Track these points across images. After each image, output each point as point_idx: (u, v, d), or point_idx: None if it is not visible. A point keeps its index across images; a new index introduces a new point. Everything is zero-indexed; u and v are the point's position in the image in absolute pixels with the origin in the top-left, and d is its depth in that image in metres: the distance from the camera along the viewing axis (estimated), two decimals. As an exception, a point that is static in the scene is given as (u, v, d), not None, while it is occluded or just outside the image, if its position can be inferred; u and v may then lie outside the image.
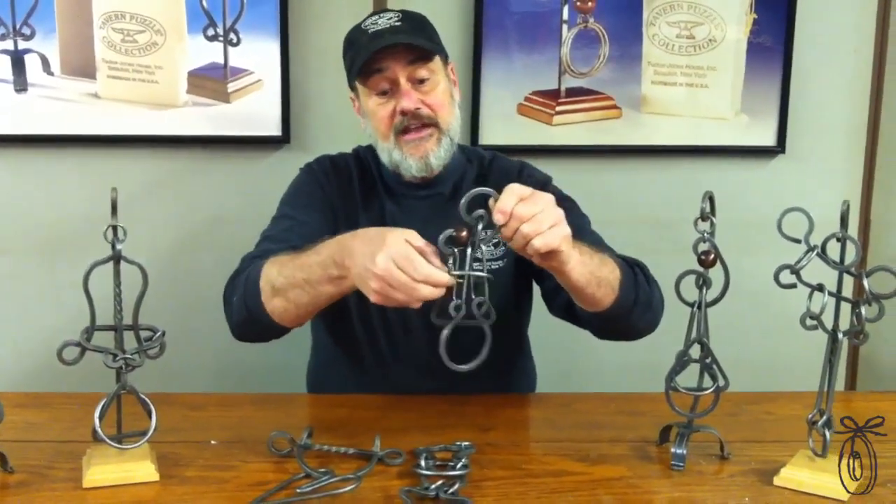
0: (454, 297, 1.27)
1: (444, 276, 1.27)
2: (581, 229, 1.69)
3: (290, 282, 1.45)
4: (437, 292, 1.28)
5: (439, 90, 1.68)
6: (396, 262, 1.27)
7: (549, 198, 1.33)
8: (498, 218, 1.27)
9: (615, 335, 1.63)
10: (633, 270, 1.56)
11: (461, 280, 1.27)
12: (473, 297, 1.28)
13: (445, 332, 1.29)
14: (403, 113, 1.64)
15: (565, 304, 1.56)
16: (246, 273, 1.55)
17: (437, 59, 1.69)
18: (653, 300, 1.59)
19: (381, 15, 1.69)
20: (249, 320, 1.53)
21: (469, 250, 1.27)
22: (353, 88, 1.75)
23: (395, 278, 1.27)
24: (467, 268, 1.27)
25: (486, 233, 1.28)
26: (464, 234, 1.26)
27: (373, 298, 1.32)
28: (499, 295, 1.71)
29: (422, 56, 1.65)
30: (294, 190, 1.78)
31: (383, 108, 1.67)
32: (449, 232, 1.27)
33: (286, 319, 1.51)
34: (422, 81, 1.66)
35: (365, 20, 1.70)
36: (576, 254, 1.38)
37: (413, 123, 1.65)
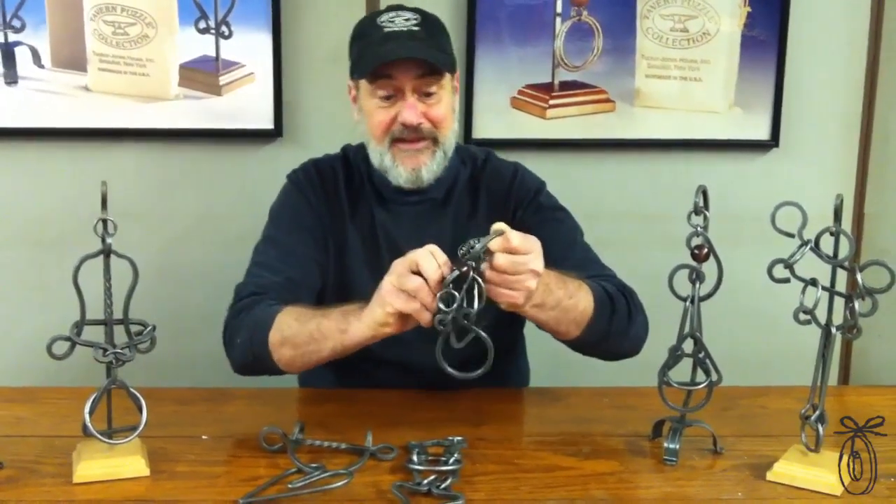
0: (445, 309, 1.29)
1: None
2: (571, 243, 1.68)
3: (300, 333, 1.47)
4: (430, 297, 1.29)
5: (443, 104, 1.64)
6: (399, 278, 1.32)
7: (532, 256, 1.32)
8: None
9: (590, 356, 1.62)
10: (613, 304, 1.53)
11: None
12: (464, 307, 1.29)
13: (439, 344, 1.31)
14: (404, 124, 1.61)
15: None
16: (253, 316, 1.55)
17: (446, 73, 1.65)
18: (630, 330, 1.57)
19: (399, 13, 1.63)
20: (254, 363, 1.55)
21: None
22: (353, 78, 1.69)
23: (405, 285, 1.30)
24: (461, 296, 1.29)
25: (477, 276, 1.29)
26: (464, 269, 1.29)
27: (388, 326, 1.37)
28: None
29: (433, 71, 1.61)
30: (281, 205, 1.75)
31: (384, 113, 1.62)
32: (455, 273, 1.29)
33: (293, 367, 1.54)
34: (428, 94, 1.62)
35: (381, 14, 1.64)
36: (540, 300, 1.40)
37: (410, 135, 1.62)
